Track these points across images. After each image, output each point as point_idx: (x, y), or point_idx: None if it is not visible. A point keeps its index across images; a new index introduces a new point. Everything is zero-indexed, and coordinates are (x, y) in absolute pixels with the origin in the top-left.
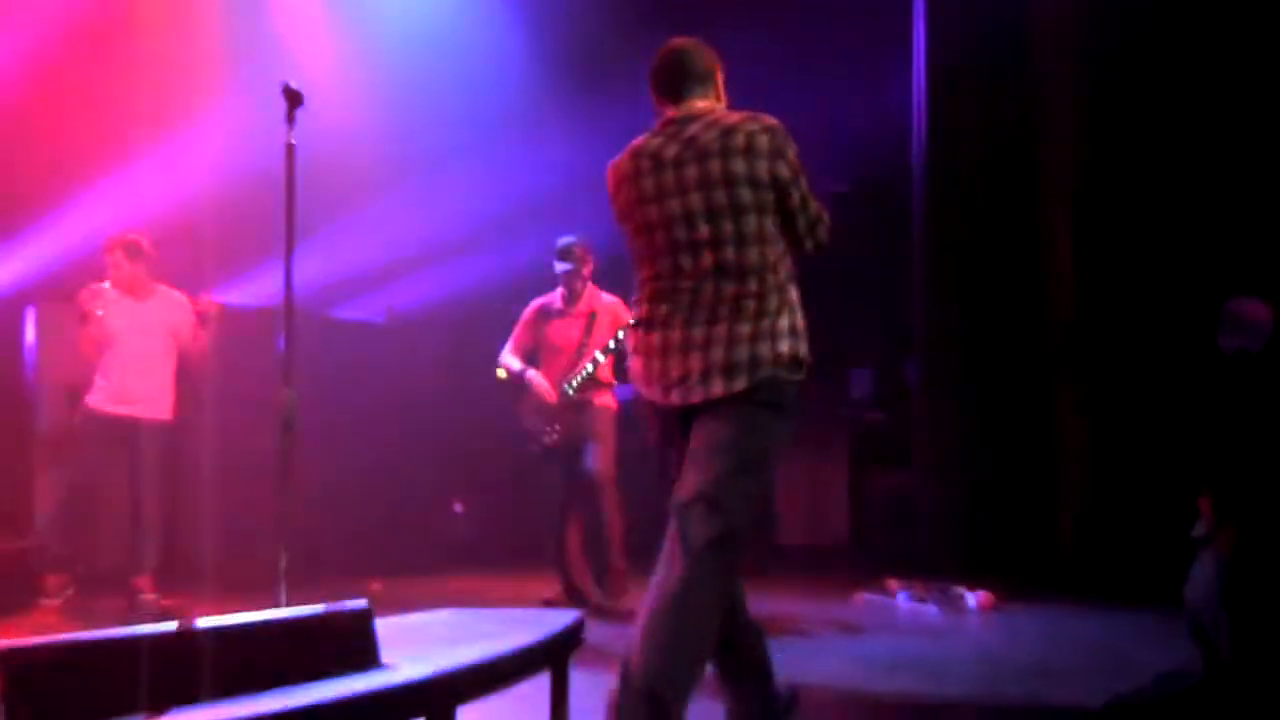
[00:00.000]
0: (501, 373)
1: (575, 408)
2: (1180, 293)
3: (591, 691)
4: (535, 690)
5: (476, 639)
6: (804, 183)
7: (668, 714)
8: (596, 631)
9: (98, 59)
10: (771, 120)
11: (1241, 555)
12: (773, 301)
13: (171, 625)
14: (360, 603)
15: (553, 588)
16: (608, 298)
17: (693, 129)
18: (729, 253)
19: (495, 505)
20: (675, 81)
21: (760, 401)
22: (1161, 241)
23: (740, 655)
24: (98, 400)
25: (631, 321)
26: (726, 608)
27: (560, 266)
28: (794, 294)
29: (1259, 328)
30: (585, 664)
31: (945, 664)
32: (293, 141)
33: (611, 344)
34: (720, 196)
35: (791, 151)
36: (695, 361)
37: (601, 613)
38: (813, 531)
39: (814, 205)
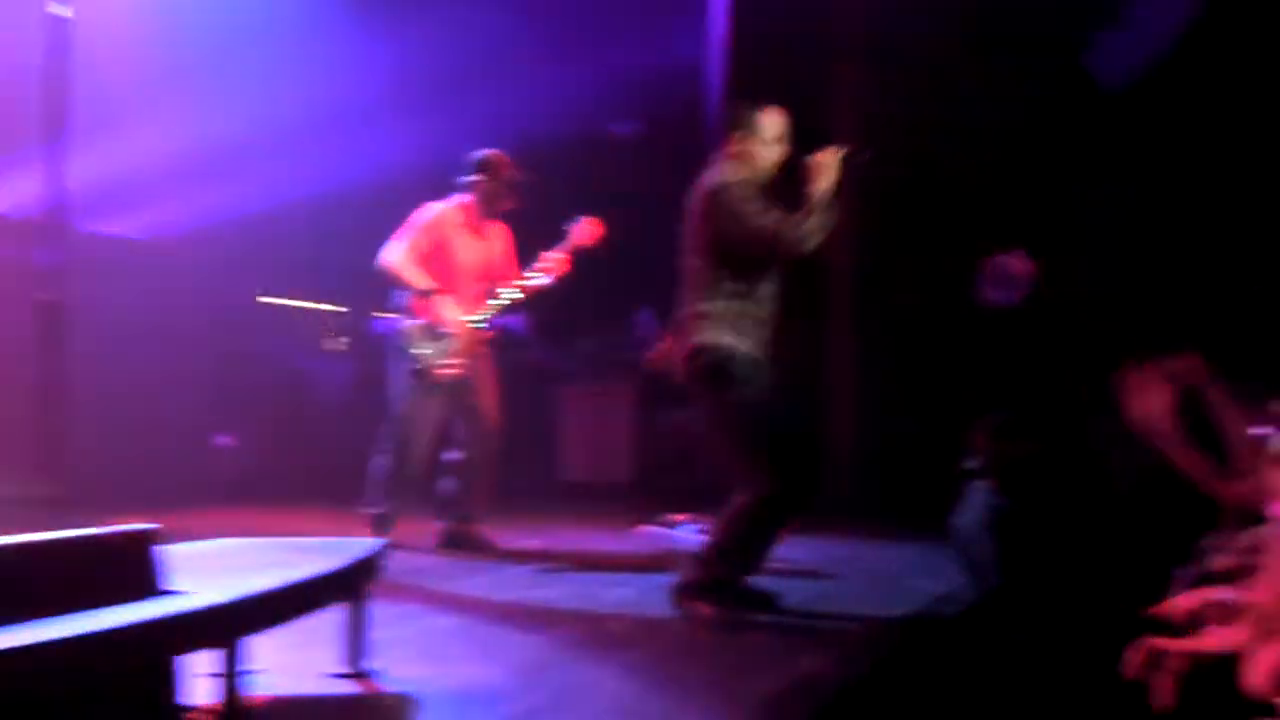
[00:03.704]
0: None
1: (477, 343)
2: (950, 249)
3: (391, 623)
4: (332, 623)
5: (268, 567)
6: None
7: None
8: (401, 562)
9: None
10: None
11: (1008, 486)
12: None
13: None
14: (146, 525)
15: (359, 527)
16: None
17: None
18: None
19: (267, 439)
20: None
21: None
22: (935, 199)
23: None
24: None
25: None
26: None
27: (473, 180)
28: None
29: (1019, 281)
30: (386, 596)
31: None
32: (66, 13)
33: (534, 279)
34: None
35: None
36: None
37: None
38: (595, 470)
39: None
